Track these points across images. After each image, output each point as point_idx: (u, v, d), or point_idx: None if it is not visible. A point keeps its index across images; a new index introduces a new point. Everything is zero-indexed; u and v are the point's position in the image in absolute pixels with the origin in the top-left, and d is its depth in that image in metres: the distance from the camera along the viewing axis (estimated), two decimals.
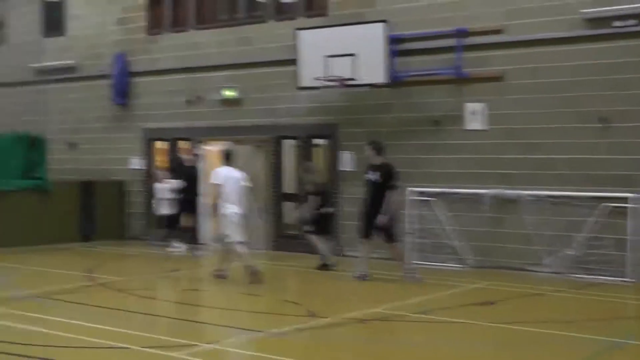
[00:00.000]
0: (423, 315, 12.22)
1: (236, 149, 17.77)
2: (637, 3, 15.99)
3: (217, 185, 15.39)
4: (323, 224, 17.59)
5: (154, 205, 21.21)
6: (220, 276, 15.68)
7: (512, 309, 12.98)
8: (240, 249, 15.35)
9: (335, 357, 9.85)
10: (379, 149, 15.50)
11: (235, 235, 15.40)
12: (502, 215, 17.52)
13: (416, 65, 18.65)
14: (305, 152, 20.63)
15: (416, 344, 10.56)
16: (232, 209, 15.30)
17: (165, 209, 20.55)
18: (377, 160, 15.37)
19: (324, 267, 17.13)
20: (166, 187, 20.54)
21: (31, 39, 26.54)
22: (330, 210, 17.96)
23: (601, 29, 16.40)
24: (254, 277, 15.12)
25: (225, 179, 15.48)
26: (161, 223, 21.04)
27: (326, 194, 17.94)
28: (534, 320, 11.90)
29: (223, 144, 20.15)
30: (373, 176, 15.18)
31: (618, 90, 16.26)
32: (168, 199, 20.46)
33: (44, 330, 10.73)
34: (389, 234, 15.52)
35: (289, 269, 18.12)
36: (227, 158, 16.05)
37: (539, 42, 17.13)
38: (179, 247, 20.16)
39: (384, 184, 14.99)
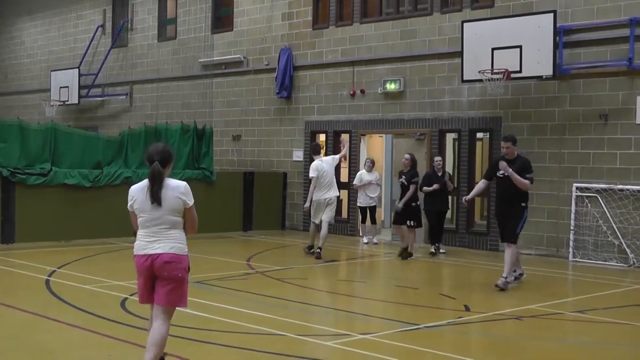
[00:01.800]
0: (580, 314, 12.05)
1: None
2: None
3: (313, 178, 17.87)
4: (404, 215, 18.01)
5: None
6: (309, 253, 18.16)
7: None
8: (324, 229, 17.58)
9: (491, 354, 9.82)
10: (515, 141, 14.13)
11: (316, 218, 17.90)
12: None
13: (585, 56, 18.43)
14: (468, 146, 20.64)
15: (573, 343, 10.45)
16: (320, 195, 17.78)
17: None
18: (513, 155, 14.01)
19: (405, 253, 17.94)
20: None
21: (200, 34, 27.45)
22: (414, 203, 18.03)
23: None
24: (317, 256, 17.27)
25: (318, 171, 17.72)
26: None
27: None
28: None
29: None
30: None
31: None
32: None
33: (206, 315, 11.08)
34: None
35: (446, 262, 18.11)
36: (316, 152, 18.63)
37: None
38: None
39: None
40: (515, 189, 13.63)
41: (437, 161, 19.00)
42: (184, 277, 7.77)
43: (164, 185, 7.64)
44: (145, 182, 7.73)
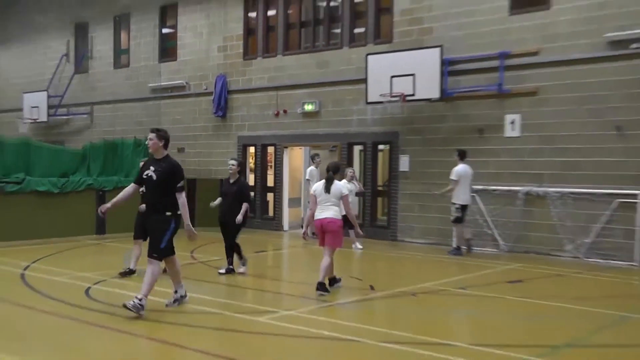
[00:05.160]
0: (463, 290, 12.23)
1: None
2: None
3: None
4: None
5: None
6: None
7: (537, 287, 12.91)
8: None
9: (389, 321, 9.94)
10: (167, 140, 10.27)
11: None
12: (532, 209, 17.49)
13: (465, 82, 18.75)
14: (372, 156, 20.88)
15: (455, 314, 10.63)
16: None
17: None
18: (161, 154, 10.17)
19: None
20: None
21: (149, 63, 27.33)
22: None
23: (621, 50, 16.28)
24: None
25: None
26: None
27: None
28: (555, 296, 11.88)
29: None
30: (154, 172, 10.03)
31: (632, 102, 16.14)
32: None
33: (157, 299, 10.69)
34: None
35: (356, 251, 17.95)
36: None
37: (569, 62, 17.10)
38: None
39: (166, 181, 9.96)
40: (161, 194, 9.89)
41: (350, 172, 18.26)
42: (338, 230, 11.69)
43: (333, 183, 11.72)
44: (324, 180, 11.89)
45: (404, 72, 18.95)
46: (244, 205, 13.51)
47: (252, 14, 24.14)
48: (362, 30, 21.29)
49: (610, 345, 8.74)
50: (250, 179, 24.02)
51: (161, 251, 9.92)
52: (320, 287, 11.44)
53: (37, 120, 31.11)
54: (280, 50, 23.20)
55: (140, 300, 9.60)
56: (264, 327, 9.26)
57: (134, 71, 28.06)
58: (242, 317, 9.85)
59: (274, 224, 23.33)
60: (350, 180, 17.77)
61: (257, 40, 23.90)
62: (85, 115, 29.98)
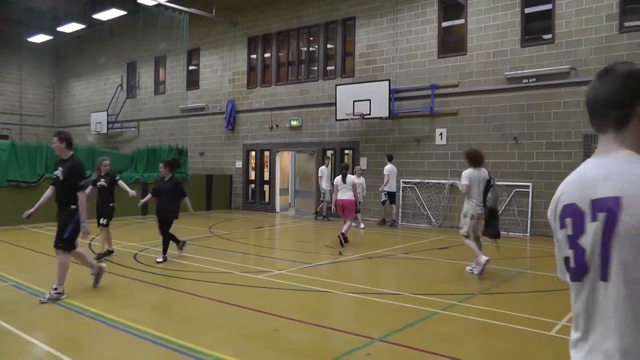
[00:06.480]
0: (405, 254, 12.30)
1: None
2: (536, 68, 15.85)
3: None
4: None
5: None
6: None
7: (459, 252, 12.81)
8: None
9: (352, 277, 9.93)
10: (68, 141, 7.83)
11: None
12: (455, 196, 17.45)
13: (406, 105, 18.68)
14: (340, 158, 20.73)
15: (400, 271, 10.65)
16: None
17: None
18: (66, 155, 7.83)
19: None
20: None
21: (179, 91, 27.05)
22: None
23: (516, 84, 16.33)
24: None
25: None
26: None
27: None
28: (472, 258, 11.66)
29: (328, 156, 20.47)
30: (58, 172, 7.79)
31: (524, 120, 16.17)
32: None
33: (182, 262, 11.05)
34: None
35: (327, 227, 17.91)
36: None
37: (479, 92, 17.07)
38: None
39: (68, 180, 7.69)
40: (67, 192, 7.73)
41: (356, 169, 17.77)
42: (352, 206, 12.97)
43: (347, 176, 12.84)
44: (341, 174, 13.00)
45: (363, 98, 18.87)
46: (186, 198, 11.28)
47: (253, 56, 23.93)
48: (332, 68, 21.19)
49: (508, 292, 8.75)
50: (252, 175, 23.93)
51: (66, 241, 7.76)
52: (342, 235, 13.21)
53: (100, 132, 30.87)
54: (274, 81, 23.02)
55: (56, 289, 7.78)
56: (261, 282, 9.22)
57: (168, 97, 27.74)
58: (246, 275, 9.80)
59: (269, 207, 23.19)
60: (358, 175, 17.60)
61: (257, 75, 23.70)
62: (133, 129, 29.69)
